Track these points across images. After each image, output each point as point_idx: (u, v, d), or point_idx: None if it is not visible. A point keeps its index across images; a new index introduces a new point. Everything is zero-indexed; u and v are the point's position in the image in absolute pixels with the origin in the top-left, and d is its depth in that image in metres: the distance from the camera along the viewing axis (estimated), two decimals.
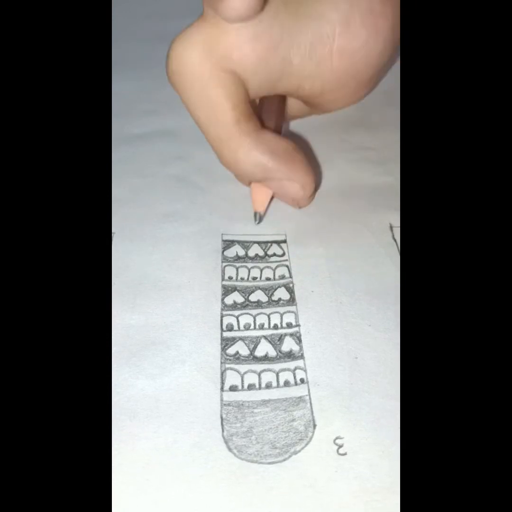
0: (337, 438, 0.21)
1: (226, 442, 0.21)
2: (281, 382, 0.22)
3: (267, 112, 0.28)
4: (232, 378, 0.22)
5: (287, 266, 0.27)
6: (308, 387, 0.22)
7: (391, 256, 0.27)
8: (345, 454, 0.20)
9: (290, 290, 0.26)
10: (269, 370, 0.23)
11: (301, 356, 0.23)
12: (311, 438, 0.21)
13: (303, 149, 0.33)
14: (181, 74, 0.24)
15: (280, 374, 0.23)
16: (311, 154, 0.33)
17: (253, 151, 0.25)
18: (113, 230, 0.29)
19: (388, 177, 0.31)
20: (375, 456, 0.20)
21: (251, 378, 0.22)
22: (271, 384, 0.22)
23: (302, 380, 0.22)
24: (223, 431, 0.21)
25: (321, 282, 0.26)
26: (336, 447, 0.20)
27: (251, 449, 0.20)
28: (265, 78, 0.25)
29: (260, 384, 0.22)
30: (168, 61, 0.25)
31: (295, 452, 0.20)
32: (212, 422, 0.21)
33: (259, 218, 0.28)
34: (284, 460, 0.20)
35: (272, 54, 0.25)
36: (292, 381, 0.22)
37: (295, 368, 0.23)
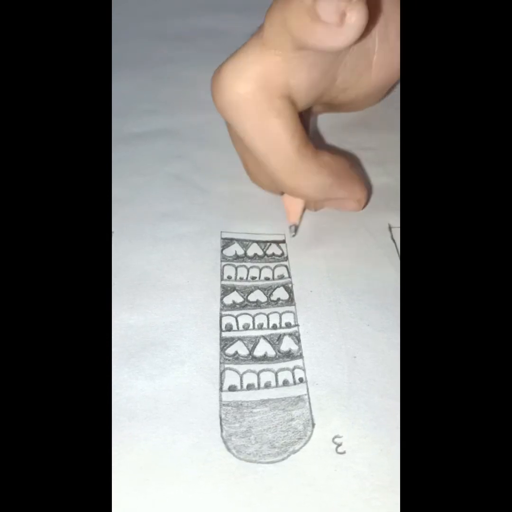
0: (336, 437, 0.21)
1: (225, 442, 0.21)
2: (280, 382, 0.22)
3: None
4: (231, 378, 0.22)
5: (286, 266, 0.27)
6: (307, 386, 0.22)
7: (389, 257, 0.27)
8: (344, 452, 0.20)
9: (289, 290, 0.26)
10: (268, 370, 0.23)
11: (300, 356, 0.23)
12: (310, 437, 0.21)
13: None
14: (237, 106, 0.23)
15: (279, 373, 0.23)
16: None
17: (315, 176, 0.25)
18: (112, 229, 0.29)
19: (387, 177, 0.31)
20: (374, 454, 0.20)
21: (250, 378, 0.22)
22: (270, 384, 0.22)
23: (301, 380, 0.22)
24: (222, 431, 0.21)
25: (319, 282, 0.26)
26: (335, 445, 0.20)
27: (250, 448, 0.20)
28: (312, 97, 0.25)
29: (259, 384, 0.22)
30: (219, 91, 0.23)
31: (294, 451, 0.20)
32: (211, 422, 0.21)
33: (295, 229, 0.28)
34: (283, 459, 0.20)
35: (324, 77, 0.25)
36: (291, 380, 0.22)
37: (294, 368, 0.23)
